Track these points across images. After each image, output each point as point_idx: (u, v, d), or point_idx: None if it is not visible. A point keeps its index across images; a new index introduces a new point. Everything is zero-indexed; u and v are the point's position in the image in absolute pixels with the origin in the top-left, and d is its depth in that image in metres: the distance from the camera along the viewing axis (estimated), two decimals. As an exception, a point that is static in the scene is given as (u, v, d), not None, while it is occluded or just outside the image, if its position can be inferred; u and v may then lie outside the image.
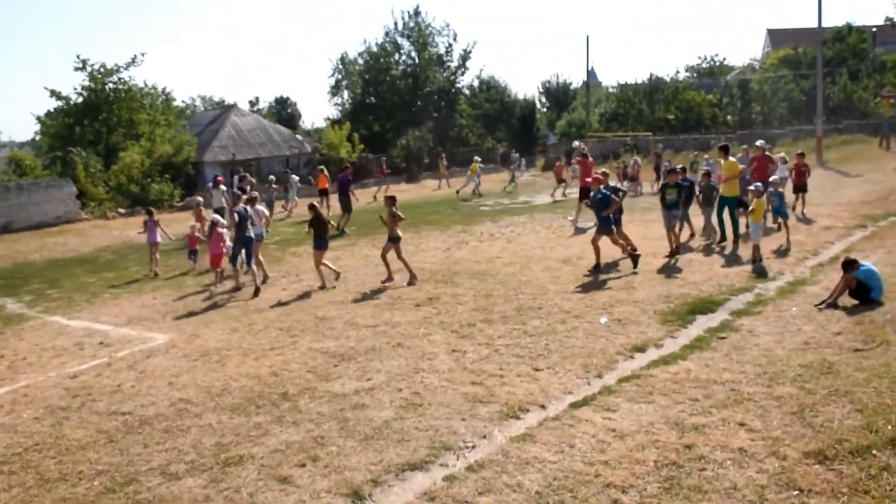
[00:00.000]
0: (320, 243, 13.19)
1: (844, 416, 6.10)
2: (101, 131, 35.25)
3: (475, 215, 22.88)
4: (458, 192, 30.68)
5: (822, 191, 19.74)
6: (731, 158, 14.74)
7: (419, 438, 6.28)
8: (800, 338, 8.35)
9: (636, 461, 5.58)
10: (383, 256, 13.07)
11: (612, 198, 12.73)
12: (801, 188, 17.35)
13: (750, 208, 12.75)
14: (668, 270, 12.49)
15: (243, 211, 13.66)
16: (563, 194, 26.14)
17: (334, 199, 25.31)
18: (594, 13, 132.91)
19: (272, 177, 25.89)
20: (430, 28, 47.87)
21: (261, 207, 14.82)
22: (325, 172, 26.17)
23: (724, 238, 14.23)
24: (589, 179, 14.43)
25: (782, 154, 20.09)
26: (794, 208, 17.05)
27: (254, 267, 13.64)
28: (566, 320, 9.76)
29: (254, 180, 26.64)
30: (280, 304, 12.23)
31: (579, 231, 17.47)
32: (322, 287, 13.06)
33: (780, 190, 14.60)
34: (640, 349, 8.37)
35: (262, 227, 14.62)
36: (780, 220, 14.58)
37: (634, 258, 12.78)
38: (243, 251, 13.66)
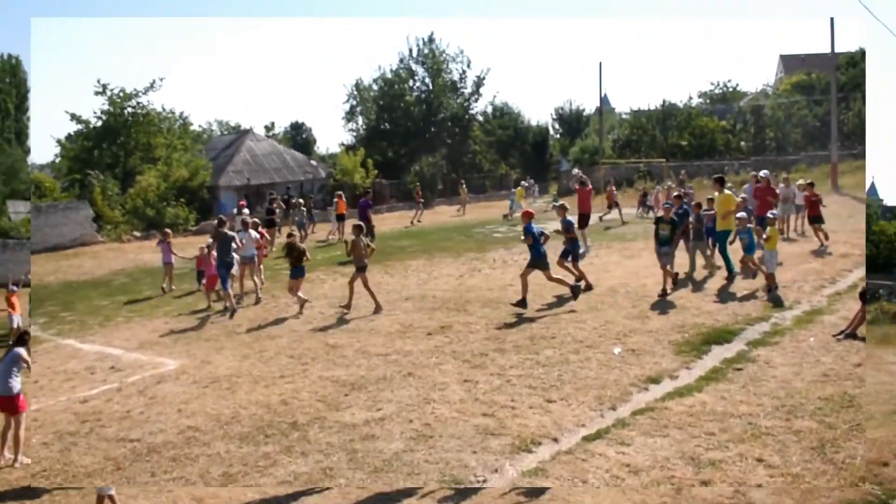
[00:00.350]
0: (296, 271, 13.48)
1: (867, 451, 5.94)
2: (119, 155, 35.68)
3: (488, 242, 22.80)
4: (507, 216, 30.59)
5: (837, 217, 19.47)
6: (727, 192, 14.25)
7: (429, 472, 6.17)
8: (818, 369, 8.20)
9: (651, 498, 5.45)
10: (350, 284, 13.31)
11: (533, 234, 12.42)
12: (815, 219, 16.79)
13: (765, 236, 12.59)
14: (683, 300, 12.33)
15: (226, 236, 13.94)
16: (611, 216, 26.13)
17: (348, 225, 25.55)
18: (607, 40, 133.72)
19: (300, 200, 26.18)
20: (444, 54, 48.21)
21: (253, 232, 15.33)
22: (343, 198, 26.33)
23: (731, 274, 13.39)
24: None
25: (800, 181, 19.61)
26: (822, 244, 16.12)
27: (229, 290, 13.94)
28: (579, 350, 9.64)
29: (283, 204, 27.04)
30: (291, 330, 12.19)
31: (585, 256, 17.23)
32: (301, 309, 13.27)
33: (749, 226, 13.22)
34: (655, 380, 8.24)
35: (254, 251, 15.08)
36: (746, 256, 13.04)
37: (575, 290, 12.75)
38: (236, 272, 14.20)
